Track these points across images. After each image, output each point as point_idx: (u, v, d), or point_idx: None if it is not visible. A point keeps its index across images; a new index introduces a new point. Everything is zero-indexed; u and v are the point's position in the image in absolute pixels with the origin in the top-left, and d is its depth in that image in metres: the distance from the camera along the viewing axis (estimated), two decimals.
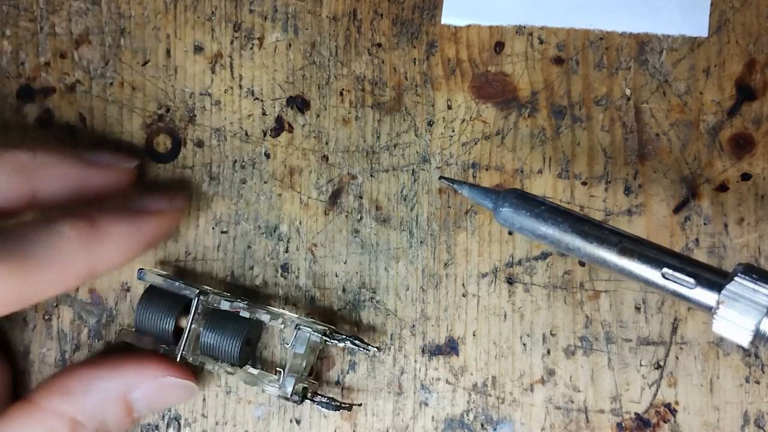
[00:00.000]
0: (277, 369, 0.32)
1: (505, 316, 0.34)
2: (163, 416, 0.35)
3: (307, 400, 0.32)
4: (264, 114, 0.35)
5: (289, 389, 0.32)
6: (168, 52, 0.36)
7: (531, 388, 0.33)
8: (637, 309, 0.33)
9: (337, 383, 0.34)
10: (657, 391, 0.33)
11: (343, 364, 0.34)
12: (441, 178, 0.29)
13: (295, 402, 0.32)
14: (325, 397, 0.32)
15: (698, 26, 0.34)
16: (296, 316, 0.33)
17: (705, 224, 0.33)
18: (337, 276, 0.34)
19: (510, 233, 0.34)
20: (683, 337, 0.33)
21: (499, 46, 0.35)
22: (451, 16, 0.35)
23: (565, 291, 0.34)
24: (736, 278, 0.22)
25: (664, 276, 0.22)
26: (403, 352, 0.34)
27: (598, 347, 0.33)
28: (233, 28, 0.36)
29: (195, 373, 0.33)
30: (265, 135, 0.35)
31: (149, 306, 0.33)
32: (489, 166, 0.34)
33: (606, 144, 0.34)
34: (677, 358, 0.33)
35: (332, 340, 0.31)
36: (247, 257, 0.35)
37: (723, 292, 0.22)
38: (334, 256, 0.34)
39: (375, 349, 0.32)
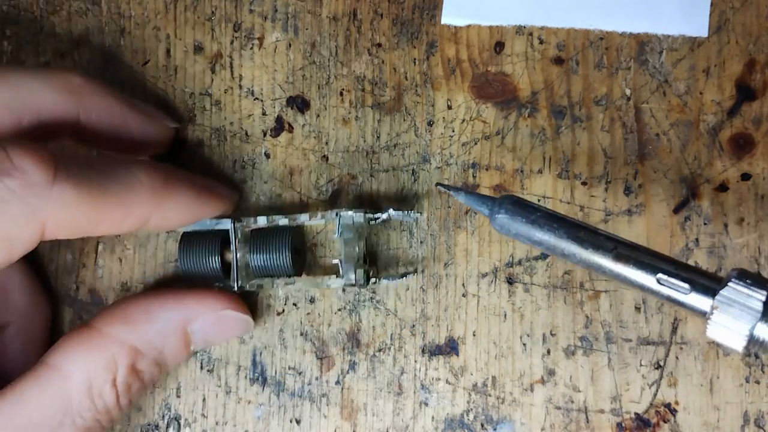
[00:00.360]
0: (333, 262, 0.33)
1: (505, 316, 0.34)
2: (163, 416, 0.35)
3: (371, 284, 0.33)
4: (264, 114, 0.35)
5: (352, 276, 0.32)
6: (168, 52, 0.36)
7: (531, 388, 0.33)
8: (637, 309, 0.33)
9: (337, 383, 0.34)
10: (657, 391, 0.33)
11: (343, 364, 0.34)
12: (438, 184, 0.30)
13: (360, 286, 0.32)
14: (387, 274, 0.33)
15: (698, 26, 0.34)
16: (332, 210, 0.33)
17: (705, 224, 0.33)
18: (335, 263, 0.34)
19: None
20: (683, 337, 0.33)
21: (499, 46, 0.35)
22: (451, 16, 0.35)
23: (565, 291, 0.34)
24: (729, 283, 0.22)
25: (659, 281, 0.23)
26: (403, 352, 0.34)
27: (598, 347, 0.33)
28: (233, 28, 0.36)
29: (251, 306, 0.34)
30: (265, 135, 0.35)
31: (190, 251, 0.33)
32: (489, 166, 0.34)
33: (606, 144, 0.34)
34: (677, 358, 0.33)
35: (374, 215, 0.32)
36: None
37: (717, 297, 0.22)
38: (335, 256, 0.34)
39: (417, 214, 0.33)
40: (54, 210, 0.26)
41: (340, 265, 0.32)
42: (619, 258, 0.23)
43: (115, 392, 0.29)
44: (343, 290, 0.34)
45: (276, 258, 0.33)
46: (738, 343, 0.22)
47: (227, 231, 0.33)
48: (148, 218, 0.29)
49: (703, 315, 0.22)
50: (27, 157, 0.25)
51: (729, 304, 0.22)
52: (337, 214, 0.32)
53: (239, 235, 0.33)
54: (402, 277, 0.33)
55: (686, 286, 0.22)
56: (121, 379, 0.29)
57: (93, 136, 0.31)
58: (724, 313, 0.22)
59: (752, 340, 0.22)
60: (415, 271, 0.34)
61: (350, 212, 0.32)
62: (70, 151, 0.34)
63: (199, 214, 0.32)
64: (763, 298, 0.22)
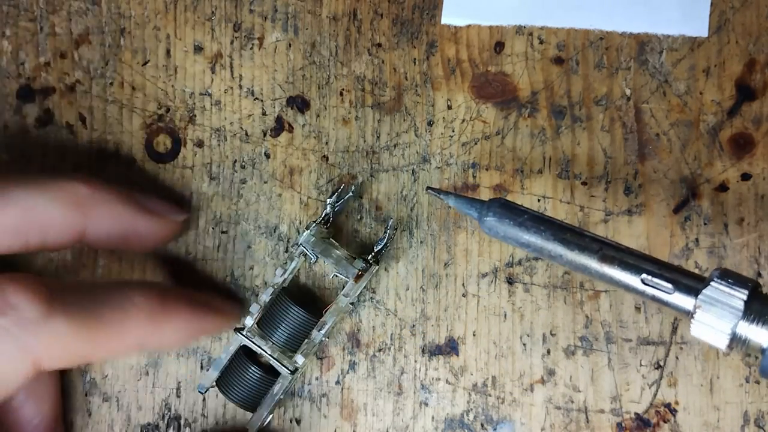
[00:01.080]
0: (332, 277, 0.34)
1: (505, 316, 0.34)
2: (163, 416, 0.35)
3: (376, 264, 0.33)
4: (264, 114, 0.35)
5: (356, 269, 0.32)
6: (168, 52, 0.36)
7: (531, 388, 0.33)
8: (637, 309, 0.33)
9: (337, 383, 0.34)
10: (657, 391, 0.33)
11: (343, 364, 0.34)
12: (428, 189, 0.30)
13: (371, 270, 0.33)
14: (379, 246, 0.33)
15: (698, 26, 0.34)
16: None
17: (705, 224, 0.33)
18: (337, 276, 0.34)
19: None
20: (683, 337, 0.33)
21: (499, 46, 0.35)
22: (451, 16, 0.35)
23: (565, 291, 0.34)
24: (712, 283, 0.22)
25: (643, 282, 0.23)
26: (403, 352, 0.34)
27: (598, 347, 0.33)
28: (233, 28, 0.36)
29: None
30: (265, 135, 0.35)
31: (231, 385, 0.33)
32: (489, 166, 0.34)
33: (606, 144, 0.34)
34: (677, 358, 0.33)
35: (318, 219, 0.33)
36: (247, 257, 0.35)
37: (700, 296, 0.22)
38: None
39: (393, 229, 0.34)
40: (48, 344, 0.26)
41: (339, 274, 0.33)
42: (604, 259, 0.23)
43: None
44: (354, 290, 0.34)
45: (294, 324, 0.32)
46: (721, 342, 0.22)
47: (242, 346, 0.33)
48: (146, 342, 0.29)
49: (687, 314, 0.22)
50: (20, 293, 0.25)
51: (711, 303, 0.22)
52: (297, 245, 0.33)
53: (254, 336, 0.33)
54: (386, 232, 0.33)
55: (669, 286, 0.23)
56: None
57: (100, 243, 0.31)
58: (707, 312, 0.22)
59: (734, 338, 0.22)
60: (396, 228, 0.34)
61: (303, 235, 0.33)
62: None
63: (198, 333, 0.31)
64: (745, 297, 0.22)
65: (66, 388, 0.35)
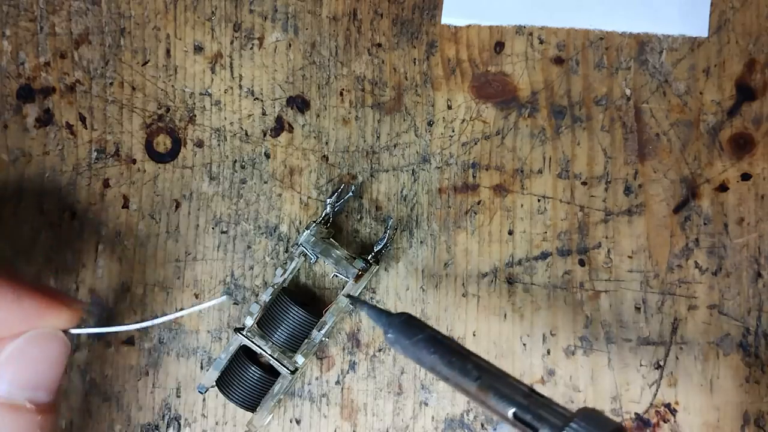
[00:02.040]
0: (333, 277, 0.34)
1: (505, 316, 0.34)
2: (163, 416, 0.35)
3: (376, 264, 0.33)
4: (264, 114, 0.35)
5: (356, 269, 0.32)
6: (168, 52, 0.36)
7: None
8: (637, 309, 0.33)
9: (337, 383, 0.34)
10: (657, 391, 0.33)
11: (343, 364, 0.34)
12: (347, 296, 0.32)
13: (371, 269, 0.33)
14: (380, 246, 0.33)
15: (698, 26, 0.34)
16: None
17: (705, 224, 0.33)
18: (337, 276, 0.34)
19: (510, 233, 0.34)
20: (683, 337, 0.33)
21: (499, 46, 0.35)
22: (451, 16, 0.35)
23: (565, 291, 0.34)
24: (569, 426, 0.23)
25: (513, 415, 0.24)
26: None
27: (598, 347, 0.33)
28: (233, 28, 0.36)
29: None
30: (265, 135, 0.35)
31: (231, 384, 0.33)
32: (489, 166, 0.34)
33: (606, 144, 0.34)
34: (677, 358, 0.33)
35: (318, 219, 0.34)
36: (247, 257, 0.35)
37: None
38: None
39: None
40: None
41: (339, 274, 0.33)
42: (481, 387, 0.25)
43: None
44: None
45: (294, 324, 0.32)
46: None
47: (242, 346, 0.33)
48: None
49: None
50: None
51: None
52: (297, 245, 0.33)
53: (254, 336, 0.33)
54: (386, 232, 0.33)
55: (535, 425, 0.24)
56: None
57: None
58: None
59: None
60: (396, 228, 0.34)
61: (303, 234, 0.33)
62: None
63: (24, 320, 0.27)
64: None
65: (66, 388, 0.35)
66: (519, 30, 0.35)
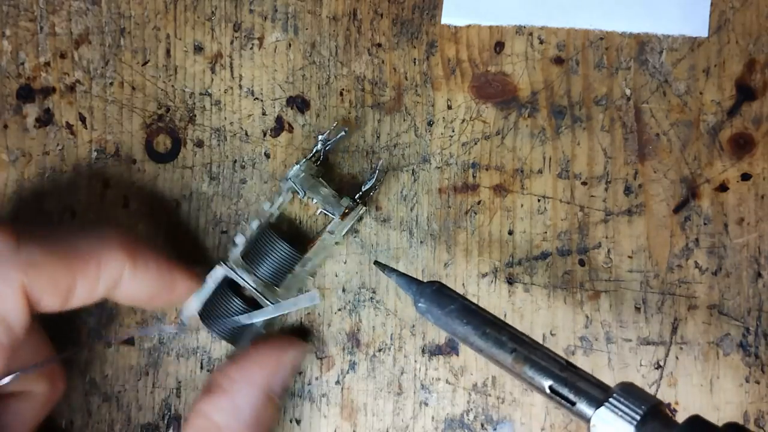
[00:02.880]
0: (318, 212, 0.34)
1: (505, 316, 0.34)
2: (163, 416, 0.35)
3: (362, 205, 0.33)
4: (264, 114, 0.35)
5: (342, 207, 0.33)
6: (168, 52, 0.36)
7: None
8: (637, 309, 0.33)
9: (337, 383, 0.34)
10: (657, 391, 0.33)
11: (343, 364, 0.34)
12: (375, 263, 0.31)
13: (358, 210, 0.33)
14: (367, 186, 0.33)
15: (698, 26, 0.34)
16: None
17: (705, 224, 0.33)
18: (336, 276, 0.34)
19: (510, 233, 0.34)
20: (683, 337, 0.33)
21: (499, 46, 0.35)
22: (451, 16, 0.35)
23: (565, 291, 0.34)
24: (610, 400, 0.23)
25: (550, 389, 0.24)
26: (403, 352, 0.34)
27: (598, 347, 0.33)
28: (233, 28, 0.36)
29: None
30: (265, 135, 0.35)
31: (212, 314, 0.33)
32: (489, 166, 0.34)
33: (606, 144, 0.34)
34: (677, 358, 0.33)
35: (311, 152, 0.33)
36: None
37: (595, 414, 0.23)
38: (334, 256, 0.34)
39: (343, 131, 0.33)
40: (27, 270, 0.27)
41: (326, 211, 0.33)
42: (517, 359, 0.24)
43: None
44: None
45: (278, 258, 0.33)
46: None
47: (225, 278, 0.33)
48: (121, 276, 0.29)
49: (588, 421, 0.23)
50: None
51: (606, 421, 0.23)
52: (284, 181, 0.33)
53: (237, 268, 0.33)
54: (375, 173, 0.33)
55: (572, 399, 0.24)
56: None
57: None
58: (601, 429, 0.23)
59: None
60: (385, 171, 0.34)
61: (293, 169, 0.33)
62: None
63: (170, 288, 0.31)
64: (638, 419, 0.23)
65: (66, 388, 0.35)
66: (519, 30, 0.35)
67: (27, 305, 0.27)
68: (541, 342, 0.33)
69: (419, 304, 0.27)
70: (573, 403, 0.23)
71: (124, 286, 0.29)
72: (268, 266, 0.33)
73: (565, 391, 0.23)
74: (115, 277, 0.29)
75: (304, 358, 0.34)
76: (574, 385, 0.24)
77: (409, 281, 0.28)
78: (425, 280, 0.28)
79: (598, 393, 0.23)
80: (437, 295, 0.26)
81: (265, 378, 0.31)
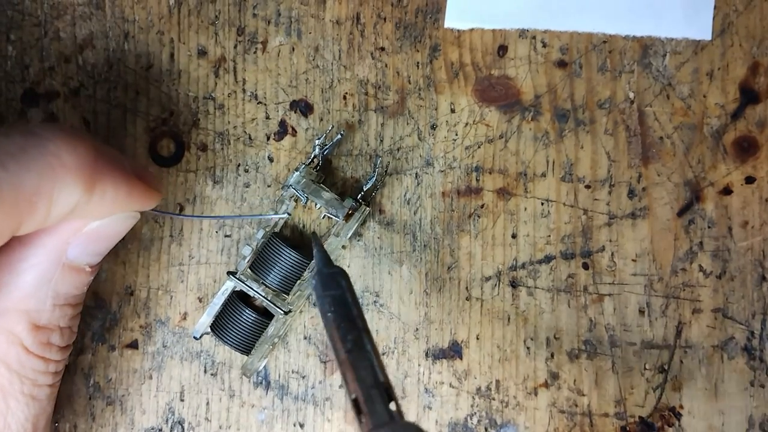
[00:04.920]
0: (323, 217, 0.34)
1: (509, 319, 0.34)
2: (167, 420, 0.35)
3: (366, 206, 0.33)
4: (267, 118, 0.35)
5: (346, 208, 0.33)
6: (171, 56, 0.36)
7: (535, 391, 0.33)
8: (641, 312, 0.33)
9: (341, 386, 0.34)
10: (661, 394, 0.33)
11: None
12: (312, 233, 0.32)
13: (362, 209, 0.33)
14: (368, 185, 0.33)
15: (702, 29, 0.34)
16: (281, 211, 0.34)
17: (709, 227, 0.33)
18: (329, 217, 0.34)
19: (513, 236, 0.34)
20: (687, 340, 0.33)
21: (502, 50, 0.35)
22: (454, 19, 0.35)
23: (568, 294, 0.34)
24: (385, 427, 0.23)
25: (354, 399, 0.24)
26: (406, 356, 0.34)
27: (602, 351, 0.33)
28: (237, 32, 0.36)
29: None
30: (268, 139, 0.35)
31: (225, 328, 0.33)
32: (492, 170, 0.34)
33: (609, 147, 0.34)
34: (681, 361, 0.33)
35: (308, 157, 0.34)
36: None
37: None
38: (339, 260, 0.34)
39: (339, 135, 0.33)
40: None
41: (329, 214, 0.33)
42: (347, 359, 0.25)
43: (34, 355, 0.28)
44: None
45: (286, 266, 0.33)
46: None
47: (235, 290, 0.34)
48: (75, 208, 0.26)
49: None
50: None
51: None
52: (286, 188, 0.33)
53: (247, 279, 0.33)
54: (375, 171, 0.34)
55: (358, 418, 0.24)
56: (30, 342, 0.28)
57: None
58: None
59: None
60: (386, 169, 0.34)
61: (293, 176, 0.33)
62: None
63: (128, 205, 0.28)
64: None
65: (70, 391, 0.35)
66: (522, 33, 0.35)
67: None
68: (545, 346, 0.33)
69: (312, 280, 0.28)
70: (360, 414, 0.24)
71: (74, 214, 0.26)
72: (276, 274, 0.33)
73: (361, 405, 0.24)
74: (66, 211, 0.26)
75: (132, 218, 0.30)
76: (372, 405, 0.24)
77: (322, 258, 0.29)
78: (338, 266, 0.28)
79: (385, 419, 0.24)
80: (328, 279, 0.27)
81: (55, 253, 0.28)
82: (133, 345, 0.35)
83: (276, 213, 0.33)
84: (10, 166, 0.24)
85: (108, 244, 0.29)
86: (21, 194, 0.24)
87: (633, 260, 0.33)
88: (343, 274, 0.28)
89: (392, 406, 0.24)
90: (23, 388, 0.28)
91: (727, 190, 0.33)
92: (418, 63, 0.35)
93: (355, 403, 0.24)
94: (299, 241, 0.35)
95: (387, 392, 0.24)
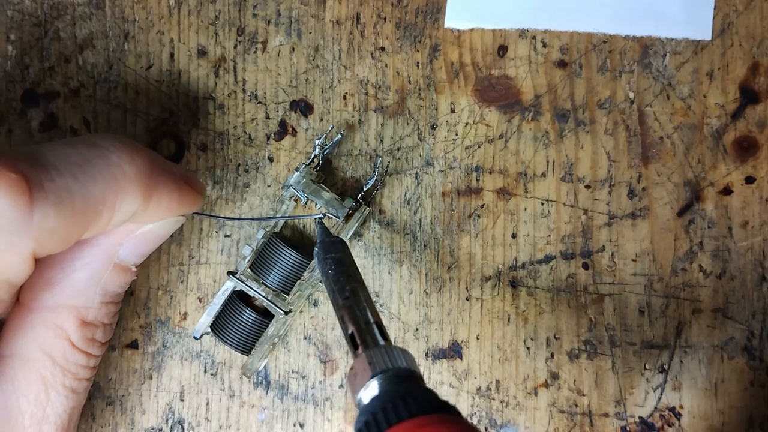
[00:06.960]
0: (323, 217, 0.34)
1: (509, 319, 0.34)
2: (167, 420, 0.35)
3: (366, 206, 0.33)
4: (267, 118, 0.35)
5: (346, 209, 0.33)
6: (172, 56, 0.36)
7: (535, 391, 0.33)
8: (641, 312, 0.33)
9: (341, 386, 0.34)
10: (661, 395, 0.33)
11: (347, 367, 0.34)
12: (319, 219, 0.33)
13: (362, 208, 0.33)
14: (368, 185, 0.34)
15: (702, 29, 0.34)
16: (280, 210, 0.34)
17: (709, 227, 0.33)
18: (329, 217, 0.34)
19: (513, 236, 0.34)
20: (687, 340, 0.33)
21: (503, 50, 0.35)
22: (454, 19, 0.35)
23: (569, 294, 0.34)
24: (375, 349, 0.25)
25: (350, 334, 0.26)
26: None
27: (602, 351, 0.33)
28: (237, 32, 0.36)
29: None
30: (268, 139, 0.35)
31: (225, 328, 0.34)
32: (492, 170, 0.34)
33: (609, 147, 0.34)
34: (681, 361, 0.33)
35: (308, 158, 0.34)
36: None
37: (355, 361, 0.25)
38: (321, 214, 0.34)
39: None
40: (41, 235, 0.24)
41: (330, 214, 0.33)
42: (343, 306, 0.27)
43: (78, 350, 0.29)
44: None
45: (286, 266, 0.33)
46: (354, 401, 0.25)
47: (235, 290, 0.34)
48: (134, 215, 0.28)
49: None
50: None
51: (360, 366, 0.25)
52: (286, 188, 0.33)
53: (247, 279, 0.33)
54: (375, 171, 0.34)
55: (354, 347, 0.26)
56: (77, 337, 0.29)
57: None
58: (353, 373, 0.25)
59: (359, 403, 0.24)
60: (386, 169, 0.34)
61: (293, 176, 0.33)
62: None
63: (179, 210, 0.29)
64: (379, 372, 0.24)
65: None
66: (522, 33, 0.35)
67: (33, 263, 0.26)
68: (545, 345, 0.33)
69: (315, 248, 0.30)
70: (355, 347, 0.25)
71: (131, 220, 0.28)
72: (277, 275, 0.33)
73: (357, 338, 0.25)
74: (126, 218, 0.27)
75: (176, 223, 0.31)
76: (365, 337, 0.25)
77: (323, 231, 0.31)
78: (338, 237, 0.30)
79: (375, 344, 0.25)
80: (329, 245, 0.29)
81: (107, 254, 0.29)
82: (133, 345, 0.35)
83: (311, 214, 0.34)
84: (80, 177, 0.25)
85: (155, 245, 0.31)
86: (89, 203, 0.26)
87: (633, 260, 0.33)
88: (342, 243, 0.30)
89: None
90: (65, 381, 0.29)
91: (727, 190, 0.33)
92: (418, 63, 0.35)
93: (351, 338, 0.26)
94: (299, 241, 0.35)
95: (379, 328, 0.26)
